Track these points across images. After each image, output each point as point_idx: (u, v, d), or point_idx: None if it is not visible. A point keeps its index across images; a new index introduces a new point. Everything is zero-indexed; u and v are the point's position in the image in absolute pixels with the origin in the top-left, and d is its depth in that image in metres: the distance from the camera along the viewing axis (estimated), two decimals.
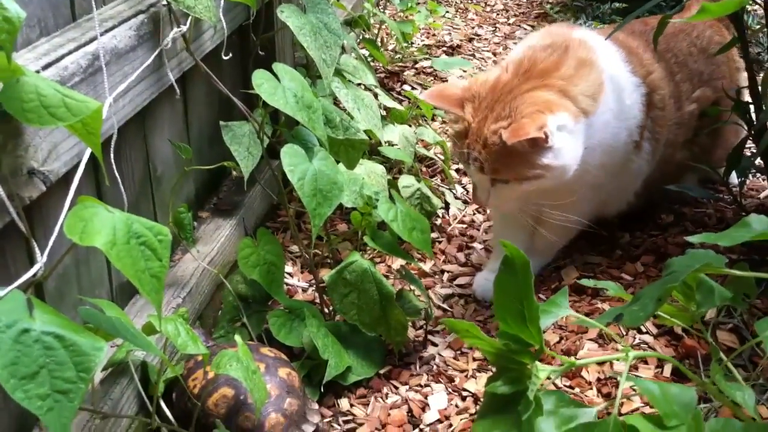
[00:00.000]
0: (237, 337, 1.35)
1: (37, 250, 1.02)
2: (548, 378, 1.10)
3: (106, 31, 1.30)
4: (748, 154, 2.11)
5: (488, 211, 2.38)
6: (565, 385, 1.63)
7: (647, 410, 1.53)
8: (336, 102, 2.23)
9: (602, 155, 1.77)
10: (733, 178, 2.12)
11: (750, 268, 1.24)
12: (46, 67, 1.13)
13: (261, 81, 1.54)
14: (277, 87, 1.56)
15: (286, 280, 1.95)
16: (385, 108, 2.60)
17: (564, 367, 1.13)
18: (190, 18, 1.54)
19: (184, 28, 1.53)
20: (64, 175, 1.14)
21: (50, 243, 1.05)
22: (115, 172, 1.31)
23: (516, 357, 1.06)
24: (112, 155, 1.27)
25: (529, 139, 1.59)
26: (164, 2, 1.48)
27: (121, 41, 1.32)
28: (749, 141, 2.04)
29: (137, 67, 1.38)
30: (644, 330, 1.76)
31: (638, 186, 1.99)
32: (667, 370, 1.65)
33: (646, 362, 1.67)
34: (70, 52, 1.19)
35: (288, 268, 2.05)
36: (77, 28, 1.28)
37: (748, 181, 2.24)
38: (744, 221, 1.18)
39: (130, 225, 1.02)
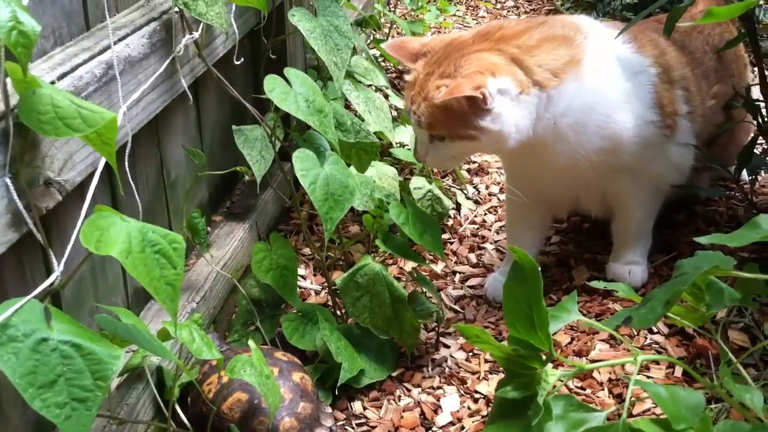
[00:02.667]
0: (251, 342, 1.37)
1: (54, 259, 1.04)
2: (560, 380, 1.11)
3: (120, 40, 1.32)
4: (759, 151, 2.11)
5: (500, 212, 2.39)
6: (576, 386, 1.64)
7: (658, 411, 1.54)
8: (347, 104, 2.24)
9: (600, 139, 1.74)
10: (745, 175, 2.12)
11: (760, 267, 1.24)
12: (61, 77, 1.14)
13: (272, 86, 1.56)
14: (289, 92, 1.57)
15: (298, 282, 1.96)
16: (396, 109, 2.61)
17: (574, 371, 1.14)
18: (201, 24, 1.56)
19: (196, 35, 1.54)
20: (79, 184, 1.16)
21: (67, 252, 1.06)
22: (130, 179, 1.32)
23: (526, 362, 1.08)
24: (126, 163, 1.29)
25: (468, 99, 1.60)
26: (176, 9, 1.49)
27: (134, 49, 1.34)
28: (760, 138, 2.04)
29: (150, 74, 1.39)
30: (655, 330, 1.77)
31: (690, 163, 1.92)
32: (678, 370, 1.65)
33: (657, 362, 1.67)
34: (84, 62, 1.20)
35: (300, 270, 2.06)
36: (91, 37, 1.30)
37: (759, 178, 2.24)
38: (753, 221, 1.19)
39: (145, 234, 1.03)
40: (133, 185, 1.34)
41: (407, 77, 1.77)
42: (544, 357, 1.07)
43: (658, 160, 1.85)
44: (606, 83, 1.75)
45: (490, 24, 1.78)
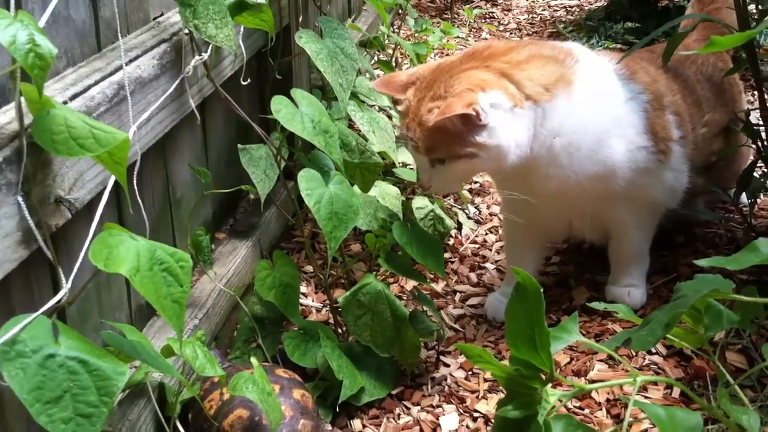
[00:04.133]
0: (253, 359, 1.38)
1: (62, 276, 1.06)
2: (559, 400, 1.12)
3: (131, 61, 1.34)
4: (758, 174, 2.13)
5: (500, 232, 2.41)
6: (575, 406, 1.65)
7: (656, 431, 1.55)
8: (351, 124, 2.26)
9: (593, 164, 1.75)
10: (744, 198, 2.14)
11: (759, 290, 1.26)
12: (73, 97, 1.16)
13: (279, 107, 1.58)
14: (295, 113, 1.59)
15: (300, 300, 1.98)
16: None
17: (574, 392, 1.16)
18: (210, 46, 1.58)
19: (205, 56, 1.57)
20: (88, 202, 1.18)
21: (75, 269, 1.08)
22: (138, 197, 1.34)
23: (526, 382, 1.09)
24: (135, 181, 1.31)
25: (461, 117, 1.59)
26: (186, 31, 1.52)
27: (144, 70, 1.36)
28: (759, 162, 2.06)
29: (160, 95, 1.41)
30: (654, 351, 1.78)
31: (684, 187, 1.93)
32: (676, 391, 1.67)
33: (655, 383, 1.69)
34: (96, 83, 1.23)
35: (302, 288, 2.08)
36: (102, 58, 1.32)
37: (758, 202, 2.26)
38: (753, 245, 1.21)
39: (153, 252, 1.05)
40: (140, 204, 1.36)
41: (399, 107, 1.77)
42: (544, 377, 1.08)
43: (653, 186, 1.86)
44: (598, 107, 1.76)
45: (477, 45, 1.80)
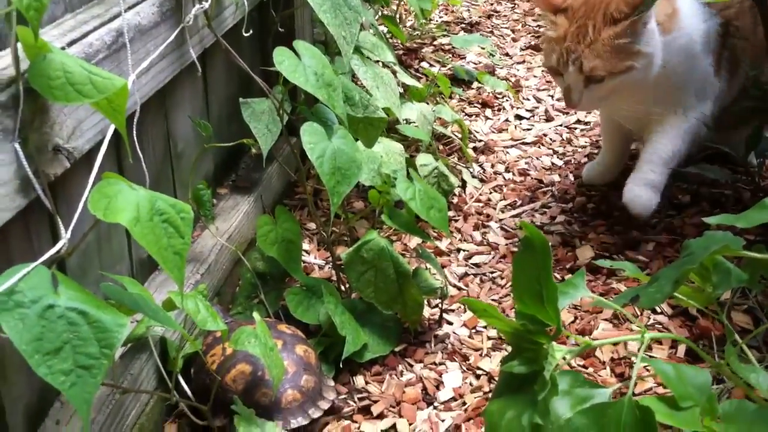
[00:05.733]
0: (255, 314, 1.37)
1: (61, 226, 1.04)
2: (563, 358, 1.11)
3: (130, 8, 1.31)
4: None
5: (505, 190, 2.39)
6: (578, 365, 1.64)
7: (660, 390, 1.55)
8: (354, 79, 2.23)
9: (677, 81, 1.95)
10: (752, 158, 2.11)
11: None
12: (71, 43, 1.13)
13: (282, 59, 1.55)
14: (298, 65, 1.56)
15: (303, 257, 1.96)
16: (404, 85, 2.60)
17: (581, 348, 1.14)
18: None
19: (206, 5, 1.53)
20: (86, 152, 1.15)
21: (74, 219, 1.06)
22: (138, 149, 1.32)
23: (533, 337, 1.07)
24: (134, 132, 1.28)
25: (633, 24, 1.78)
26: None
27: (144, 18, 1.33)
28: None
29: (160, 43, 1.38)
30: (659, 310, 1.77)
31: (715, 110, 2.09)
32: (681, 350, 1.65)
33: (660, 342, 1.68)
34: (94, 29, 1.20)
35: (305, 245, 2.06)
36: (101, 4, 1.29)
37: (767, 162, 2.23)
38: (762, 203, 1.19)
39: (153, 202, 1.03)
40: (140, 156, 1.33)
41: (551, 33, 1.88)
42: (551, 332, 1.07)
43: (704, 102, 2.01)
44: (690, 32, 1.94)
45: None
